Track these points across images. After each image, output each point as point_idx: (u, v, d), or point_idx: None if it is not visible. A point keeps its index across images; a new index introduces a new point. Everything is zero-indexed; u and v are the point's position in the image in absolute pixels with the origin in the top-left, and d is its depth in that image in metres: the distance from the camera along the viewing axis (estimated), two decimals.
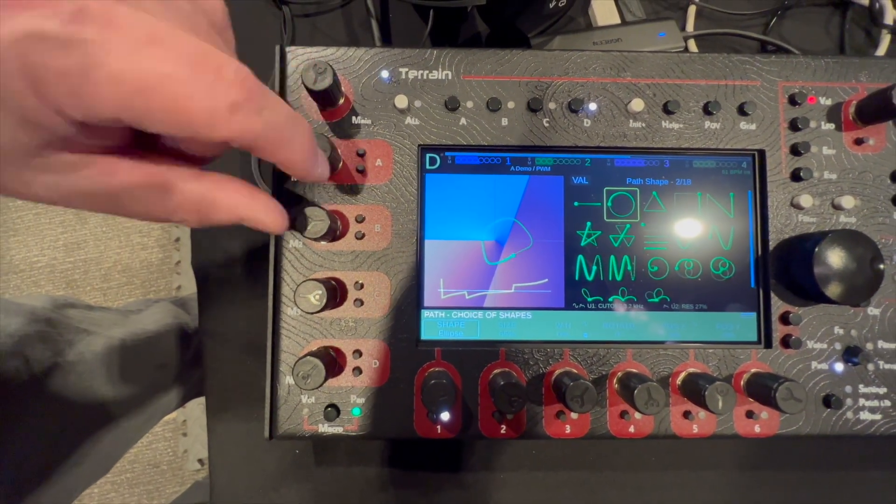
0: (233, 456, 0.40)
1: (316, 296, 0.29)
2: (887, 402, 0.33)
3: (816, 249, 0.31)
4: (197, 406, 1.25)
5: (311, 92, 0.30)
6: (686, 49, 0.47)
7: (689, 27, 0.49)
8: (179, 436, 1.29)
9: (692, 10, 0.49)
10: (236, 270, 0.43)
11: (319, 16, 0.47)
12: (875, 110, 0.33)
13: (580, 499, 0.39)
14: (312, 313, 0.30)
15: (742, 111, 0.34)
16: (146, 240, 1.45)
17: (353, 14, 0.47)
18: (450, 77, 0.33)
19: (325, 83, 0.29)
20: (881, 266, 0.31)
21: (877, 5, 0.47)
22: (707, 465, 0.39)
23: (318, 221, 0.30)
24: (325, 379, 0.29)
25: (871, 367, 0.33)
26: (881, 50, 0.47)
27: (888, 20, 0.47)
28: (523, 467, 0.39)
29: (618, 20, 0.49)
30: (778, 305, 0.33)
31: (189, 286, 1.39)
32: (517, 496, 0.39)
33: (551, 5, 0.44)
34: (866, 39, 0.49)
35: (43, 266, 1.43)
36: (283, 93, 0.33)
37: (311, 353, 0.30)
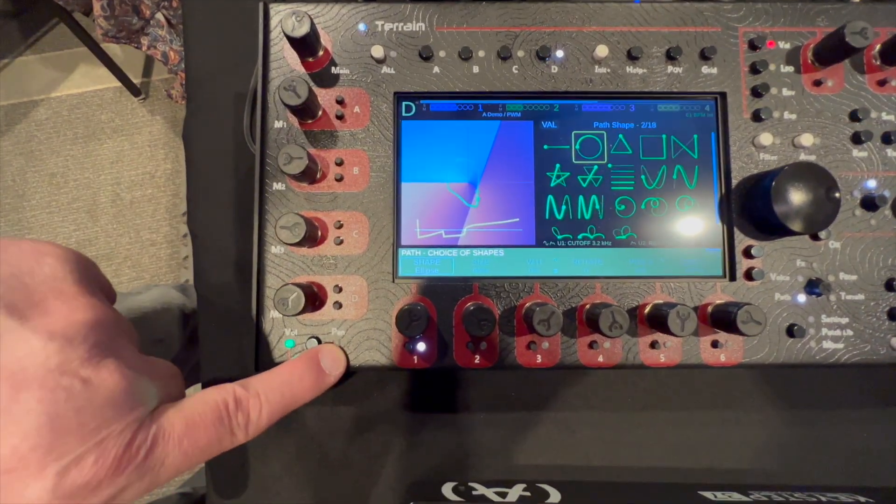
0: None
1: (296, 228, 0.31)
2: (849, 332, 0.34)
3: (773, 183, 0.32)
4: None
5: (291, 40, 0.32)
6: None
7: None
8: None
9: None
10: (231, 267, 0.44)
11: None
12: (831, 51, 0.34)
13: (558, 437, 0.40)
14: (292, 244, 0.32)
15: (704, 56, 0.35)
16: (155, 236, 1.49)
17: None
18: (423, 28, 0.35)
19: (303, 30, 0.32)
20: (837, 195, 0.32)
21: None
22: (681, 405, 0.40)
23: (297, 159, 0.32)
24: (305, 307, 0.31)
25: (832, 297, 0.34)
26: None
27: None
28: (502, 408, 0.40)
29: None
30: (741, 240, 0.35)
31: None
32: (496, 434, 0.40)
33: None
34: None
35: None
36: (266, 46, 0.35)
37: (293, 284, 0.32)
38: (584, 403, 0.40)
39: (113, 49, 1.52)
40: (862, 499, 0.36)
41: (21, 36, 1.64)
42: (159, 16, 1.33)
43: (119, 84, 1.53)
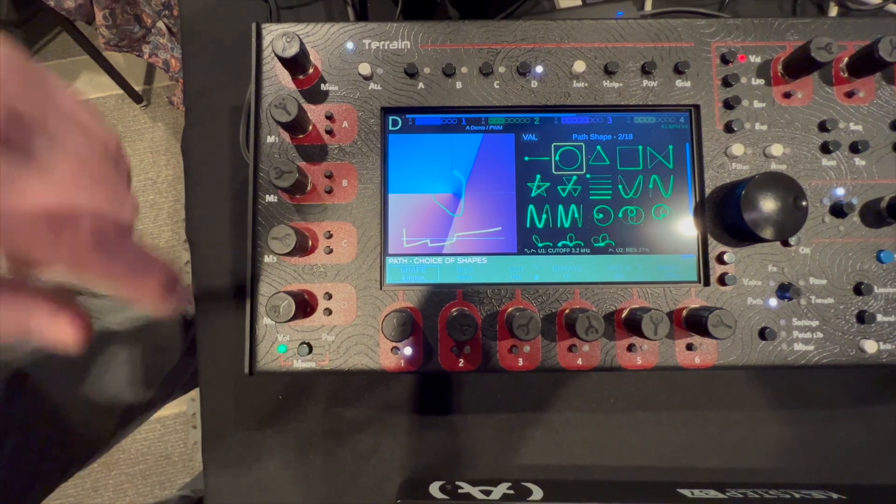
0: (225, 439, 0.43)
1: (287, 238, 0.33)
2: (819, 335, 0.35)
3: (743, 192, 0.34)
4: None
5: (282, 60, 0.34)
6: None
7: (648, 6, 0.53)
8: (190, 428, 1.33)
9: None
10: (227, 278, 0.46)
11: (302, 7, 0.52)
12: (800, 64, 0.36)
13: (543, 437, 0.41)
14: (283, 254, 0.33)
15: (677, 70, 0.37)
16: (157, 241, 1.51)
17: (333, 4, 0.51)
18: (409, 47, 0.37)
19: (292, 50, 0.33)
20: (804, 203, 0.34)
21: None
22: (662, 406, 0.42)
23: (287, 173, 0.33)
24: (296, 314, 0.33)
25: (803, 301, 0.36)
26: None
27: None
28: (489, 409, 0.42)
29: (579, 1, 0.52)
30: (714, 246, 0.36)
31: None
32: (483, 435, 0.41)
33: None
34: (818, 13, 0.52)
35: None
36: (258, 65, 0.37)
37: (285, 292, 0.33)
38: (568, 405, 0.42)
39: (115, 57, 1.54)
40: (835, 495, 0.37)
41: (24, 45, 1.67)
42: (160, 24, 1.35)
43: (121, 91, 1.56)
